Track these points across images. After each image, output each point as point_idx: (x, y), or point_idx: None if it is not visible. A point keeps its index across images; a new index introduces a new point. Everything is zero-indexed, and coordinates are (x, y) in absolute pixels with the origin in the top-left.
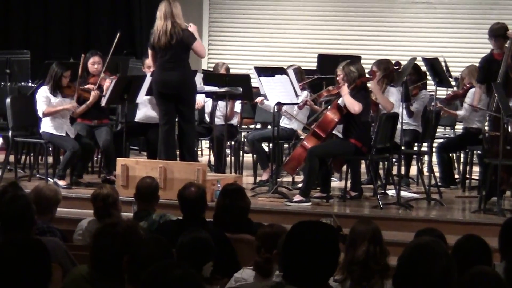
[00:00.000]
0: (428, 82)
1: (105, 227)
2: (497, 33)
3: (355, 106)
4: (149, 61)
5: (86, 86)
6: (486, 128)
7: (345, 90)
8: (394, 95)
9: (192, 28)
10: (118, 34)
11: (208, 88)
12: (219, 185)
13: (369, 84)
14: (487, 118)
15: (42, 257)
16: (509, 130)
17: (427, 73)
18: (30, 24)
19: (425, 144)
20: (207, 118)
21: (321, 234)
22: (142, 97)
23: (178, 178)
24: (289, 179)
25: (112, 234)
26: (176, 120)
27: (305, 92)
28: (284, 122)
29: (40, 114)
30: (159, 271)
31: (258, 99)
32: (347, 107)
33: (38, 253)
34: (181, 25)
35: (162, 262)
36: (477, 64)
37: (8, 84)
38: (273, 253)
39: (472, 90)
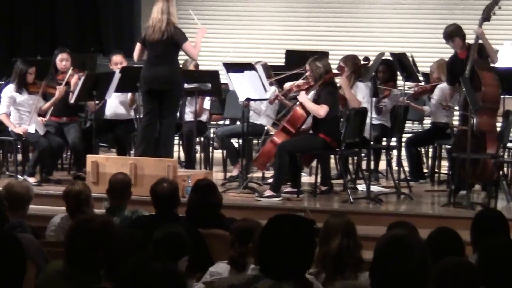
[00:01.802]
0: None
1: (80, 223)
2: (453, 34)
3: (319, 112)
4: (123, 56)
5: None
6: (455, 122)
7: (303, 97)
8: (362, 90)
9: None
10: (71, 68)
11: None
12: (189, 181)
13: (337, 80)
14: (455, 112)
15: (16, 253)
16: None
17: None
18: None
19: (393, 139)
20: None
21: (297, 227)
22: (111, 94)
23: (149, 174)
24: (259, 174)
25: (87, 229)
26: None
27: (273, 88)
28: (253, 118)
29: None
30: (138, 265)
31: None
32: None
33: (13, 248)
34: (175, 24)
35: (140, 256)
36: (446, 59)
37: None
38: (247, 247)
39: (440, 86)
